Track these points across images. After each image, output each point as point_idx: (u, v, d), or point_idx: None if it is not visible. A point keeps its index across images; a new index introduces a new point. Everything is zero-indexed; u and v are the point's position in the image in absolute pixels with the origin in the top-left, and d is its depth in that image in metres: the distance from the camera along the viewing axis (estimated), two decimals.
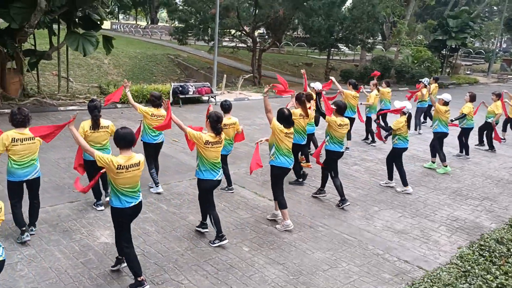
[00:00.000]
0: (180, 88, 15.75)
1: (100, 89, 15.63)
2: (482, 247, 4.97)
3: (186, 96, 15.72)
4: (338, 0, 20.81)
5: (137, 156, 4.58)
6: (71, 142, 9.37)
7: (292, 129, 6.28)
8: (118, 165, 4.37)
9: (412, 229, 6.65)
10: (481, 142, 12.04)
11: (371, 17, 24.74)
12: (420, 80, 13.58)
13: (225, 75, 20.14)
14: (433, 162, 9.84)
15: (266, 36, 26.74)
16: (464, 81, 31.39)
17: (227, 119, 7.11)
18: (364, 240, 6.18)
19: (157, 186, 7.36)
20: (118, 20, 64.60)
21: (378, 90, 11.46)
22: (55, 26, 15.04)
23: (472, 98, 10.46)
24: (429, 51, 30.32)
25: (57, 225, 5.88)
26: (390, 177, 8.50)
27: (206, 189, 5.66)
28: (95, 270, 4.90)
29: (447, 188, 8.67)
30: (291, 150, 6.31)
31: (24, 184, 5.52)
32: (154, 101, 7.17)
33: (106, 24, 55.32)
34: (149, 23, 57.77)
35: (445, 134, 9.55)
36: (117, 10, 63.10)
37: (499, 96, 11.43)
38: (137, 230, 5.89)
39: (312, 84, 9.64)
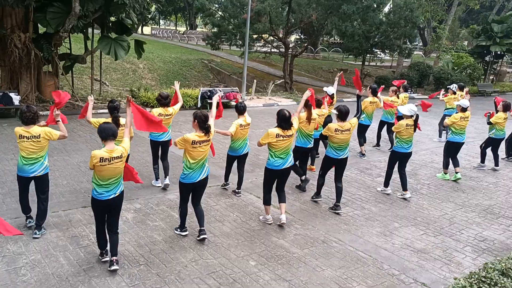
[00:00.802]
0: (209, 93, 15.76)
1: (131, 93, 15.86)
2: (483, 279, 4.39)
3: None
4: (374, 4, 20.23)
5: (119, 148, 4.81)
6: (95, 145, 9.53)
7: (291, 131, 6.27)
8: (100, 158, 4.62)
9: (434, 249, 6.25)
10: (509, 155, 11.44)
11: (408, 22, 24.02)
12: (448, 87, 13.23)
13: (255, 80, 20.07)
14: (457, 172, 9.36)
15: (299, 42, 26.44)
16: (509, 89, 29.96)
17: (242, 120, 7.15)
18: (379, 258, 5.85)
19: (157, 180, 7.70)
20: (159, 26, 66.07)
21: (398, 97, 11.23)
22: (90, 31, 15.43)
23: (506, 108, 9.85)
24: (471, 58, 29.11)
25: (66, 230, 5.90)
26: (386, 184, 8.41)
27: (187, 191, 5.75)
28: (96, 278, 4.85)
29: (478, 205, 8.15)
30: (287, 151, 6.37)
31: (33, 182, 5.67)
32: (160, 100, 7.39)
33: (146, 30, 56.92)
34: (188, 28, 58.68)
35: (459, 144, 9.23)
36: (158, 16, 64.82)
37: None
38: (145, 239, 5.83)
39: (325, 88, 9.84)
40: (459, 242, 6.53)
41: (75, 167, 8.43)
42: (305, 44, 25.26)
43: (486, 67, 31.16)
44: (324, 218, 7.06)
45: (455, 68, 28.29)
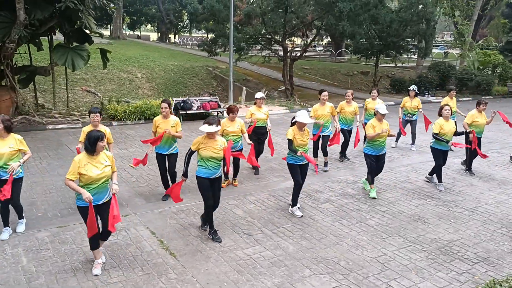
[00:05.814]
0: (182, 104, 14.62)
1: (101, 105, 14.97)
2: None
3: (188, 112, 14.53)
4: (373, 0, 18.39)
5: None
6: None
7: None
8: None
9: None
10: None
11: (421, 18, 21.92)
12: (409, 88, 11.77)
13: (244, 88, 18.75)
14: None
15: (304, 44, 24.50)
16: None
17: None
18: None
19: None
20: (191, 34, 65.71)
21: None
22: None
23: None
24: (500, 55, 26.39)
25: None
26: None
27: None
28: None
29: (434, 241, 6.41)
30: None
31: None
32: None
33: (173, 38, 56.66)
34: None
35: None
36: (189, 24, 64.59)
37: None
38: None
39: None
40: None
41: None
42: (302, 48, 23.40)
43: None
44: (218, 262, 5.62)
45: (480, 67, 25.69)
